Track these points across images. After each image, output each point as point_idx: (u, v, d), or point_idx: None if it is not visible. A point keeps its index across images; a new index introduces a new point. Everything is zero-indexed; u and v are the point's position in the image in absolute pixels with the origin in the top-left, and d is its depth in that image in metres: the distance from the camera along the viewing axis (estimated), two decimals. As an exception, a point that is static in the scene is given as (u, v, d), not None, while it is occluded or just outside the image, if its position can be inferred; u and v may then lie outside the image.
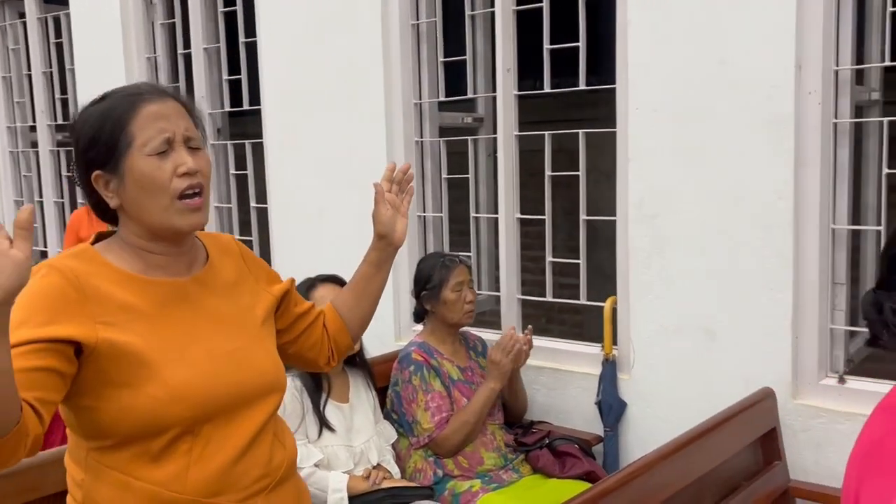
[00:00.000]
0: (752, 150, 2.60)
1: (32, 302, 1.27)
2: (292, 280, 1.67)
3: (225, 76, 4.21)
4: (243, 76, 4.11)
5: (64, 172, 5.30)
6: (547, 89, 3.16)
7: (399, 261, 3.52)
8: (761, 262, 2.62)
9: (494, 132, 3.36)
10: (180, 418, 1.34)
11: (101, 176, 1.38)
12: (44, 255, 5.32)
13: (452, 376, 2.83)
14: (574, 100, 3.84)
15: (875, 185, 2.93)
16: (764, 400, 2.59)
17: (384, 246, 1.70)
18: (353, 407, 2.63)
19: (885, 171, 2.58)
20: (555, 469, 2.76)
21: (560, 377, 3.15)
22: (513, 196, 3.26)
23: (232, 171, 4.26)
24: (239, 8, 4.05)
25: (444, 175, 3.54)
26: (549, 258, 3.27)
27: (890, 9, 2.50)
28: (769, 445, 2.62)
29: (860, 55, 2.74)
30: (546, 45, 3.12)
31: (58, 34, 5.12)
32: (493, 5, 3.23)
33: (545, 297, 3.34)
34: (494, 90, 3.29)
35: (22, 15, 5.29)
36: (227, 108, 4.25)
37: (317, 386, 2.54)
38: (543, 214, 3.26)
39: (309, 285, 2.59)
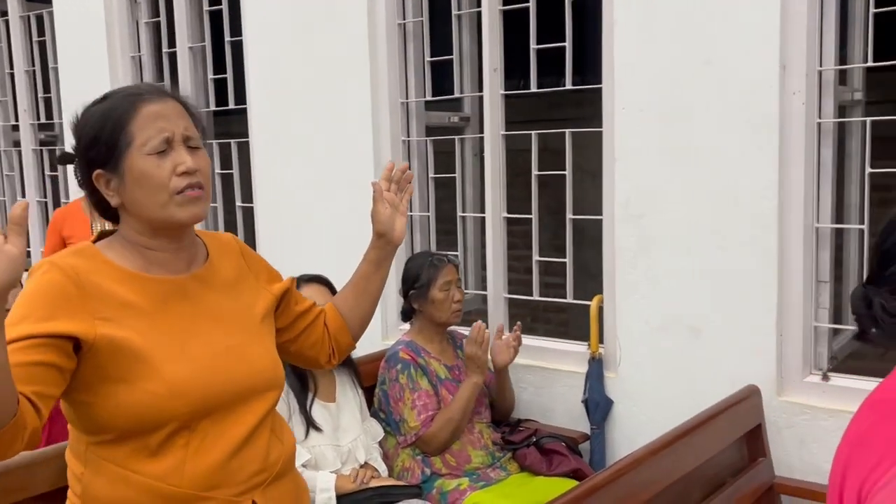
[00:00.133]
0: (737, 149, 2.63)
1: (33, 298, 1.30)
2: (293, 279, 1.69)
3: (210, 75, 4.20)
4: (229, 75, 4.09)
5: (47, 172, 5.27)
6: (533, 89, 3.18)
7: (386, 260, 3.52)
8: (746, 260, 2.65)
9: (481, 131, 3.37)
10: (178, 413, 1.36)
11: (101, 175, 1.41)
12: (27, 254, 5.27)
13: (440, 375, 2.83)
14: (558, 99, 3.87)
15: (858, 184, 2.96)
16: (749, 397, 2.62)
17: (383, 244, 1.72)
18: (340, 406, 2.63)
19: (868, 170, 2.60)
20: (542, 467, 2.78)
21: (547, 375, 3.17)
22: (500, 195, 3.27)
23: (217, 170, 4.25)
24: (224, 6, 4.03)
25: (431, 174, 3.55)
26: (535, 257, 3.28)
27: (872, 10, 2.53)
28: (754, 442, 2.64)
29: (843, 56, 2.77)
30: (532, 45, 3.13)
31: (41, 32, 5.08)
32: (479, 5, 3.24)
33: (531, 296, 3.36)
34: (481, 90, 3.30)
35: (4, 13, 5.25)
36: (213, 108, 4.23)
37: (303, 386, 2.54)
38: (529, 214, 3.27)
39: (293, 285, 2.59)
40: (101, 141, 1.39)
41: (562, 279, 3.24)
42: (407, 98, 3.53)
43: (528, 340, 3.23)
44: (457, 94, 3.57)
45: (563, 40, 3.06)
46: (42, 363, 1.25)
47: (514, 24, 3.24)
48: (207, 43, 4.19)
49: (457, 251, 3.60)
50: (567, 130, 3.14)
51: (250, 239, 4.12)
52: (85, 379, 1.33)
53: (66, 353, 1.29)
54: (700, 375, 2.76)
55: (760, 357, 2.66)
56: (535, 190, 3.26)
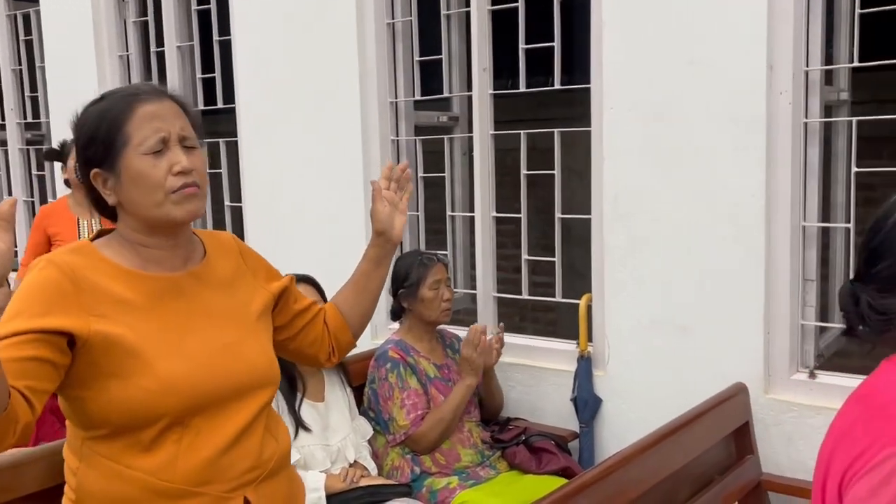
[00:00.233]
0: (724, 149, 2.64)
1: (29, 294, 1.32)
2: (292, 277, 1.70)
3: (199, 74, 4.19)
4: (217, 74, 4.09)
5: (34, 171, 5.24)
6: (522, 89, 3.18)
7: (375, 259, 3.52)
8: (734, 259, 2.66)
9: (470, 131, 3.38)
10: (170, 409, 1.37)
11: (99, 174, 1.43)
12: (14, 253, 5.24)
13: (429, 374, 2.84)
14: (547, 99, 3.88)
15: (844, 183, 2.98)
16: (737, 395, 2.63)
17: (382, 242, 1.73)
18: (329, 405, 2.63)
19: (854, 169, 2.62)
20: (531, 465, 2.78)
21: (536, 374, 3.18)
22: (488, 195, 3.28)
23: (206, 169, 4.23)
24: (213, 5, 4.03)
25: (420, 174, 3.55)
26: (524, 256, 3.29)
27: (858, 11, 2.55)
28: (742, 440, 2.65)
29: (829, 56, 2.79)
30: (521, 45, 3.14)
31: (27, 31, 5.06)
32: (468, 5, 3.25)
33: (520, 295, 3.37)
34: (470, 89, 3.30)
35: (-10, 12, 5.23)
36: (201, 107, 4.22)
37: (291, 387, 2.54)
38: (518, 213, 3.28)
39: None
40: (98, 140, 1.41)
41: (550, 278, 3.25)
42: (396, 97, 3.53)
43: (517, 339, 3.25)
44: (446, 94, 3.57)
45: (552, 40, 3.07)
46: (35, 358, 1.27)
47: (502, 24, 3.25)
48: (196, 42, 4.18)
49: (446, 250, 3.61)
50: (555, 130, 3.15)
51: (239, 238, 4.11)
52: (79, 374, 1.35)
53: (61, 349, 1.31)
54: (688, 373, 2.78)
55: (748, 355, 2.68)
56: (524, 189, 3.27)
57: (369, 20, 3.46)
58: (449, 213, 3.65)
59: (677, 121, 2.72)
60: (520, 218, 3.29)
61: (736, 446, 2.66)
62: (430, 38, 3.55)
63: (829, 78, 2.84)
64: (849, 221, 2.72)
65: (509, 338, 3.11)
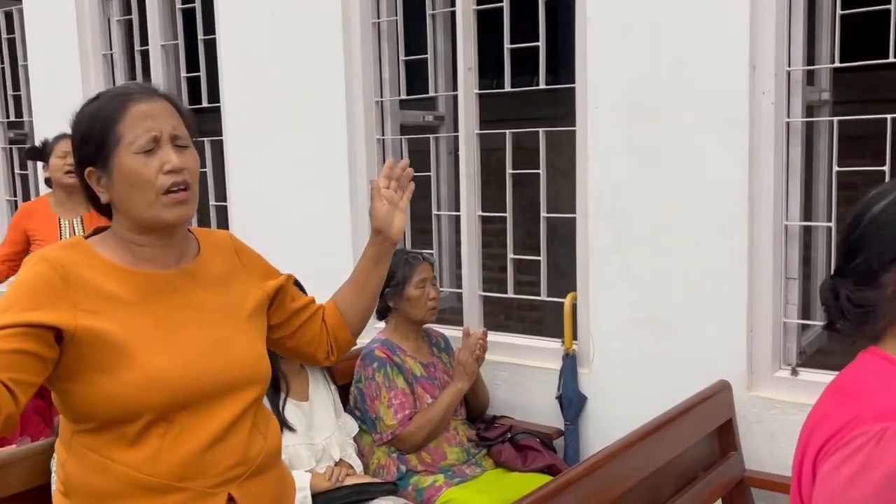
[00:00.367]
0: (707, 148, 2.66)
1: (19, 289, 1.35)
2: (289, 276, 1.70)
3: (184, 73, 4.18)
4: (202, 73, 4.08)
5: (17, 170, 5.21)
6: (507, 88, 3.20)
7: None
8: (717, 257, 2.68)
9: (455, 130, 3.39)
10: (155, 404, 1.38)
11: (93, 172, 1.46)
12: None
13: (415, 373, 2.84)
14: (532, 98, 3.88)
15: (826, 182, 3.01)
16: (720, 392, 2.65)
17: (381, 241, 1.73)
18: (313, 404, 2.63)
19: (836, 168, 2.65)
20: (517, 463, 2.80)
21: (521, 372, 3.19)
22: (474, 194, 3.29)
23: (199, 168, 4.22)
24: (197, 4, 4.02)
25: (406, 173, 3.55)
26: (510, 255, 3.30)
27: (839, 12, 2.58)
28: (725, 436, 2.67)
29: (811, 56, 2.81)
30: (506, 45, 3.15)
31: (10, 30, 5.03)
32: (453, 4, 3.26)
33: (506, 293, 3.38)
34: (455, 89, 3.31)
35: (-27, 10, 5.20)
36: (186, 106, 4.20)
37: (275, 387, 2.53)
38: (503, 212, 3.29)
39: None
40: (91, 139, 1.44)
41: (536, 277, 3.26)
42: (381, 97, 3.53)
43: (502, 337, 3.26)
44: (431, 93, 3.58)
45: (537, 40, 3.08)
46: (22, 351, 1.29)
47: (488, 24, 3.26)
48: (180, 41, 4.16)
49: (432, 249, 3.62)
50: (540, 129, 3.16)
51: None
52: (67, 368, 1.37)
53: (48, 343, 1.32)
54: (672, 371, 2.79)
55: (731, 353, 2.70)
56: (510, 188, 3.28)
57: (355, 19, 3.46)
58: (434, 212, 3.66)
59: (661, 120, 2.74)
60: (505, 217, 3.30)
61: (719, 443, 2.68)
62: (415, 37, 3.55)
63: (810, 78, 2.87)
64: (830, 220, 2.74)
65: (494, 336, 3.12)
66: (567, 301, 3.06)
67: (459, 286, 3.45)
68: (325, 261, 3.43)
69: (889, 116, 2.52)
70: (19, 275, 1.39)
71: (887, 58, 2.47)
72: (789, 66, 2.61)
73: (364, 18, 3.46)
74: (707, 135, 2.66)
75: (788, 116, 2.63)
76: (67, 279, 1.37)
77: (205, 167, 4.14)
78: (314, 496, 2.42)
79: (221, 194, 4.07)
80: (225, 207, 4.05)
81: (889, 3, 2.45)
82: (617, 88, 2.81)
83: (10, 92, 5.12)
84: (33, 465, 2.08)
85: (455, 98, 3.33)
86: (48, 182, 3.85)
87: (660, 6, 2.71)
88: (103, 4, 4.47)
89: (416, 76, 3.55)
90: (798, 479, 1.16)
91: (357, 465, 2.65)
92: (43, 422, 3.28)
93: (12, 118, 5.16)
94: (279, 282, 1.66)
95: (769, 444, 2.67)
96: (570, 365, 3.03)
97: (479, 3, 3.20)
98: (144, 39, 4.27)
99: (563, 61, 3.29)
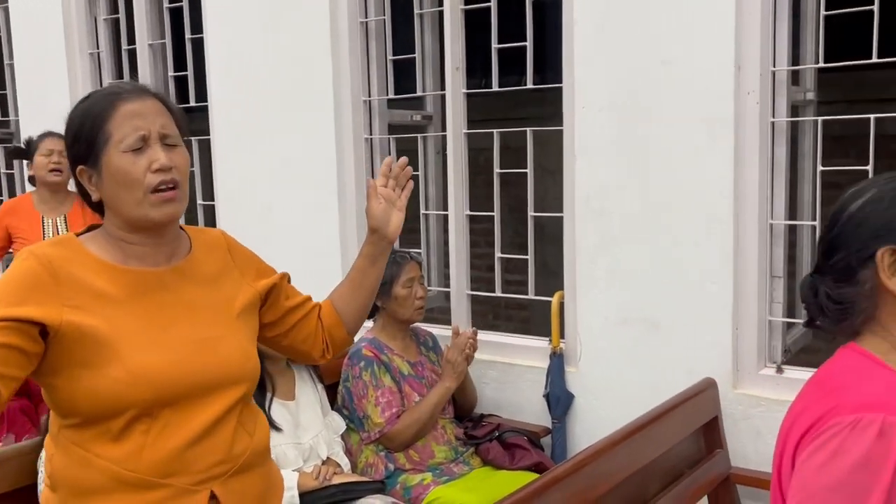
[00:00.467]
0: (693, 147, 2.68)
1: (7, 284, 1.37)
2: (283, 275, 1.71)
3: (171, 72, 4.17)
4: (190, 72, 4.07)
5: (3, 169, 5.19)
6: (495, 88, 3.20)
7: (349, 256, 3.53)
8: (703, 256, 2.70)
9: (443, 130, 3.39)
10: (138, 400, 1.39)
11: (84, 171, 1.47)
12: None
13: (403, 371, 2.85)
14: (519, 98, 3.89)
15: (810, 181, 3.03)
16: (706, 390, 2.67)
17: (377, 240, 1.74)
18: (300, 403, 2.62)
19: (820, 168, 2.67)
20: (504, 461, 2.81)
21: (509, 371, 3.20)
22: (462, 193, 3.30)
23: (189, 167, 4.21)
24: (185, 3, 4.01)
25: (394, 172, 3.55)
26: (498, 254, 3.32)
27: (823, 12, 2.60)
28: (711, 434, 2.69)
29: (796, 57, 2.83)
30: (494, 45, 3.16)
31: (-5, 28, 5.00)
32: (441, 4, 3.26)
33: (494, 292, 3.39)
34: (443, 88, 3.32)
35: (-42, 8, 5.16)
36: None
37: (260, 388, 2.53)
38: (491, 211, 3.30)
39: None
40: (82, 138, 1.45)
41: (523, 276, 3.27)
42: (369, 96, 3.54)
43: (490, 336, 3.27)
44: (419, 93, 3.59)
45: (524, 40, 3.09)
46: (5, 345, 1.30)
47: (475, 24, 3.27)
48: (168, 40, 4.15)
49: (420, 248, 3.62)
50: (528, 129, 3.17)
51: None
52: (52, 363, 1.38)
53: (32, 338, 1.34)
54: (658, 369, 2.81)
55: (717, 351, 2.72)
56: (497, 188, 3.29)
57: (343, 19, 3.46)
58: (423, 211, 3.67)
59: (647, 120, 2.75)
60: (493, 216, 3.31)
61: (705, 440, 2.69)
62: (403, 37, 3.56)
63: (795, 78, 2.89)
64: (815, 219, 2.76)
65: (482, 335, 3.13)
66: (554, 300, 3.08)
67: (447, 285, 3.46)
68: (313, 260, 3.43)
69: (872, 116, 2.55)
70: (8, 270, 1.40)
71: (871, 58, 2.49)
72: (774, 66, 2.63)
73: (352, 18, 3.46)
74: (693, 134, 2.67)
75: (773, 116, 2.66)
76: (56, 275, 1.38)
77: (193, 166, 4.13)
78: (302, 495, 2.42)
79: (209, 193, 4.07)
80: (212, 207, 4.04)
81: (872, 4, 2.48)
82: (604, 88, 2.83)
83: (-5, 91, 5.09)
84: (20, 466, 2.07)
85: (443, 98, 3.34)
86: (32, 180, 3.84)
87: (646, 7, 2.72)
88: (90, 3, 4.45)
89: (403, 76, 3.55)
90: (778, 472, 1.18)
91: (345, 463, 2.66)
92: (29, 421, 3.28)
93: (-2, 117, 5.14)
94: (272, 280, 1.66)
95: (755, 442, 2.69)
96: (557, 363, 3.04)
97: (466, 3, 3.21)
98: (132, 38, 4.25)
99: (550, 61, 3.30)
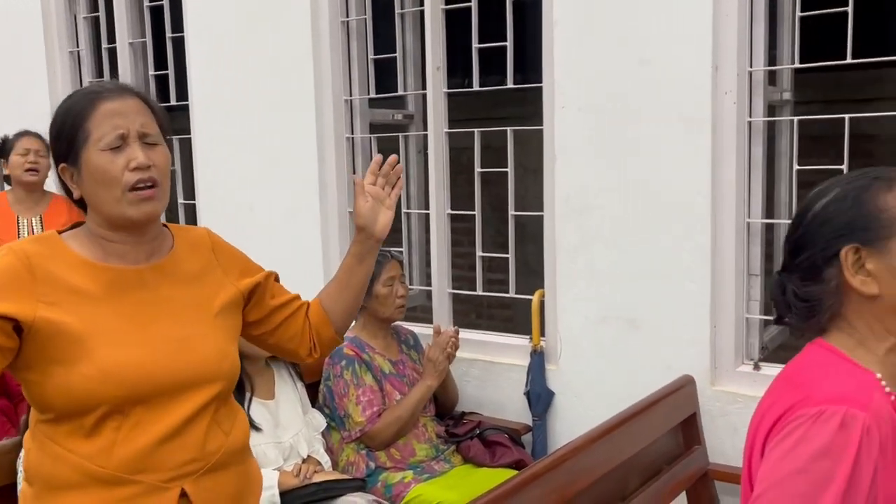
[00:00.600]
0: (671, 147, 2.70)
1: None
2: (269, 273, 1.71)
3: (151, 71, 4.15)
4: (170, 71, 4.05)
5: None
6: (476, 87, 3.22)
7: (331, 256, 3.54)
8: (681, 255, 2.73)
9: (425, 129, 3.40)
10: (109, 397, 1.40)
11: (65, 168, 1.49)
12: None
13: (384, 370, 2.86)
14: (500, 98, 3.91)
15: (787, 181, 3.06)
16: (684, 387, 2.69)
17: (364, 238, 1.73)
18: (279, 402, 2.62)
19: (796, 167, 2.71)
20: (485, 458, 2.82)
21: (490, 369, 3.22)
22: (443, 192, 3.31)
23: (169, 165, 4.19)
24: (165, 2, 4.00)
25: (375, 171, 3.56)
26: (479, 253, 3.33)
27: (799, 13, 2.63)
28: (689, 430, 2.71)
29: (772, 57, 2.87)
30: (475, 44, 3.17)
31: (-26, 26, 4.95)
32: (422, 4, 3.27)
33: (475, 291, 3.40)
34: (424, 88, 3.33)
35: (-65, 6, 5.11)
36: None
37: (239, 388, 2.52)
38: (472, 210, 3.31)
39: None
40: (63, 136, 1.47)
41: (505, 275, 3.29)
42: (351, 95, 3.54)
43: (471, 335, 3.28)
44: (400, 92, 3.60)
45: (505, 40, 3.11)
46: None
47: (456, 23, 3.28)
48: (148, 39, 4.14)
49: (401, 247, 3.63)
50: (508, 128, 3.19)
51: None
52: (27, 359, 1.40)
53: (6, 333, 1.36)
54: (638, 366, 2.83)
55: (695, 348, 2.74)
56: (478, 187, 3.30)
57: (324, 18, 3.46)
58: (404, 210, 3.67)
59: (626, 120, 2.78)
60: (474, 215, 3.32)
61: (684, 437, 2.71)
62: (384, 36, 3.56)
63: (772, 78, 2.92)
64: (791, 218, 2.79)
65: (464, 333, 3.14)
66: (535, 298, 3.10)
67: (429, 284, 3.47)
68: (294, 260, 3.42)
69: (847, 116, 2.58)
70: None
71: (846, 59, 2.52)
72: (751, 66, 2.66)
73: (333, 17, 3.46)
74: (671, 134, 2.70)
75: (750, 116, 2.68)
76: (33, 271, 1.40)
77: (173, 165, 4.10)
78: (282, 493, 2.41)
79: (190, 192, 4.06)
80: (193, 206, 4.03)
81: (847, 5, 2.51)
82: (583, 88, 2.85)
83: (-26, 89, 5.04)
84: (3, 465, 2.07)
85: (424, 97, 3.35)
86: (7, 179, 3.81)
87: (625, 8, 2.74)
88: (69, 1, 4.43)
89: (385, 75, 3.56)
90: (748, 464, 1.20)
91: (325, 461, 2.66)
92: (9, 421, 3.25)
93: (-23, 116, 5.09)
94: (256, 279, 1.66)
95: (732, 438, 2.72)
96: (537, 361, 3.06)
97: (447, 3, 3.22)
98: (112, 37, 4.24)
99: (530, 61, 3.32)
